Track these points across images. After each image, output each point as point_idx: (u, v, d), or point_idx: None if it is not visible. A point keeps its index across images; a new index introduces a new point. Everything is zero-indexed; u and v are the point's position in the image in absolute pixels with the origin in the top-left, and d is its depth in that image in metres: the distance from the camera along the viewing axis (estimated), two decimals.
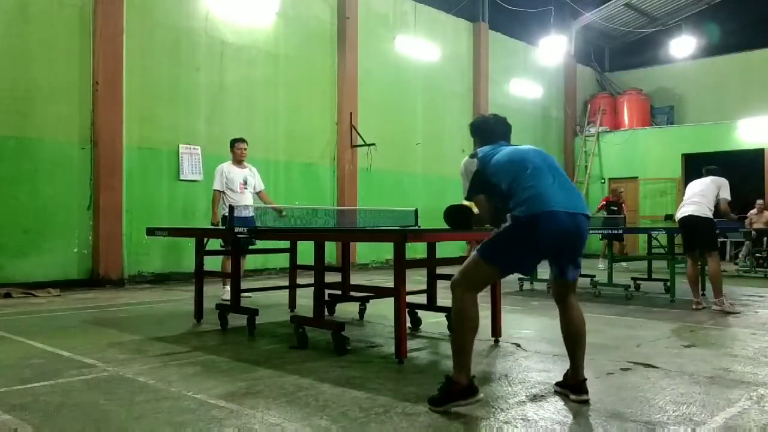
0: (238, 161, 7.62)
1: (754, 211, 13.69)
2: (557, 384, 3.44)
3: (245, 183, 7.55)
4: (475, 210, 3.42)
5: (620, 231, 8.56)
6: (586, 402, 3.18)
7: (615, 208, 12.73)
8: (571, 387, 3.27)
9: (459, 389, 3.02)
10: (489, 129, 3.58)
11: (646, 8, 18.18)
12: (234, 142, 7.71)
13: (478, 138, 3.56)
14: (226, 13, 10.67)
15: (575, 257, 3.27)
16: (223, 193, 7.46)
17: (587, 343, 3.34)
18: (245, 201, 7.38)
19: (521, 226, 3.09)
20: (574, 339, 3.28)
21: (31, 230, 8.48)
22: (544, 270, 3.36)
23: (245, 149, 7.65)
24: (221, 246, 6.93)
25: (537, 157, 3.29)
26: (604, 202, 13.22)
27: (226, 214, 7.35)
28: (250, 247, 6.86)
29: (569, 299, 3.31)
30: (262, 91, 11.17)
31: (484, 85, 15.64)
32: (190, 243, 6.57)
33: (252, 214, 6.94)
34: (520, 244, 3.12)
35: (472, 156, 3.35)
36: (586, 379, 3.26)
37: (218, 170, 7.59)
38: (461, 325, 3.14)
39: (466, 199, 3.38)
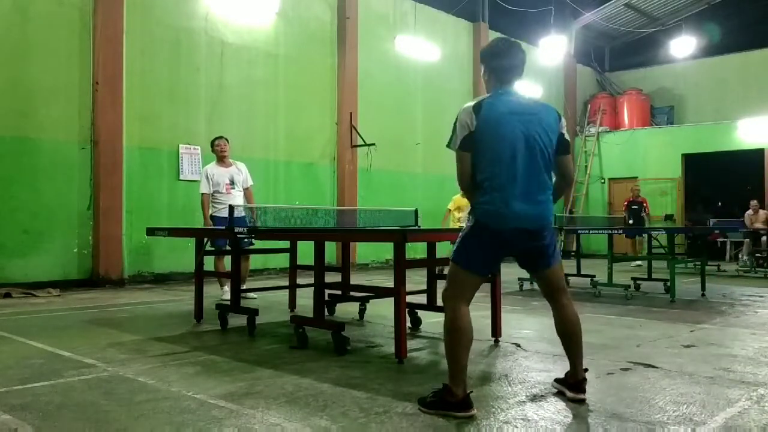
0: (221, 159, 7.47)
1: (749, 212, 13.71)
2: (556, 380, 3.44)
3: (231, 183, 7.39)
4: None
5: (620, 231, 8.57)
6: (583, 401, 3.18)
7: (636, 207, 13.52)
8: (569, 385, 3.27)
9: (454, 402, 2.98)
10: (501, 63, 3.24)
11: (646, 8, 18.17)
12: (212, 141, 7.61)
13: (487, 69, 3.31)
14: (226, 13, 10.68)
15: (540, 255, 3.22)
16: (212, 195, 7.36)
17: (587, 343, 3.33)
18: (233, 201, 7.11)
19: (482, 229, 3.10)
20: (569, 339, 3.27)
21: (31, 230, 8.48)
22: None
23: (224, 145, 7.47)
24: (210, 246, 6.81)
25: (525, 139, 3.08)
26: (626, 203, 13.81)
27: (216, 215, 7.29)
28: (249, 247, 6.79)
29: (561, 299, 3.27)
30: (262, 91, 11.17)
31: (484, 85, 15.60)
32: (190, 243, 6.57)
33: (243, 214, 6.83)
34: (486, 246, 3.12)
35: (476, 109, 3.09)
36: (585, 379, 3.26)
37: (203, 173, 7.48)
38: (453, 339, 3.09)
39: (449, 146, 3.19)
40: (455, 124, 3.16)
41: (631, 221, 13.12)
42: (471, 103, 3.16)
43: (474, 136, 3.08)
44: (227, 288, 7.25)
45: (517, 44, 3.31)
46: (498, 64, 3.26)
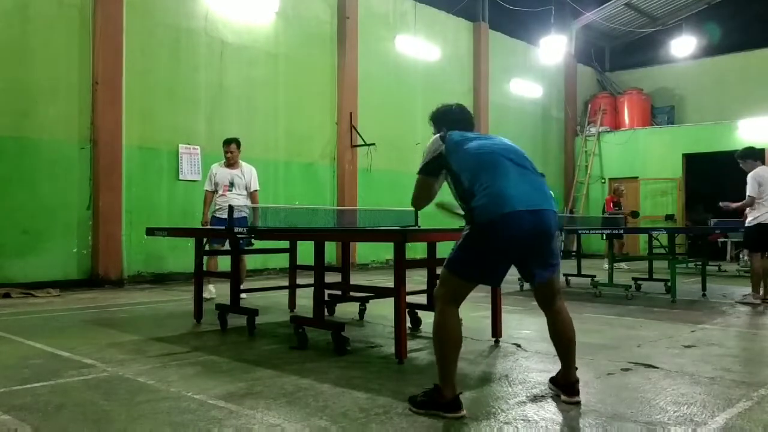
0: (228, 164, 7.50)
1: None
2: (551, 381, 3.42)
3: (231, 185, 7.39)
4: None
5: (621, 231, 8.56)
6: (578, 404, 3.16)
7: (618, 208, 13.17)
8: (563, 388, 3.25)
9: (443, 402, 2.97)
10: (454, 118, 3.44)
11: (647, 8, 18.17)
12: (223, 144, 7.56)
13: (442, 126, 3.41)
14: (226, 13, 10.67)
15: (544, 258, 3.13)
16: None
17: (588, 343, 3.33)
18: (230, 203, 7.19)
19: (481, 231, 2.99)
20: (564, 344, 3.23)
21: (31, 230, 8.48)
22: None
23: (233, 152, 7.42)
24: (208, 246, 6.79)
25: (505, 151, 3.16)
26: (612, 202, 13.39)
27: (213, 215, 7.39)
28: (248, 247, 6.78)
29: (556, 303, 3.22)
30: (262, 91, 11.17)
31: (484, 85, 15.63)
32: (190, 243, 6.57)
33: (244, 214, 6.82)
34: (485, 252, 3.01)
35: (443, 138, 3.21)
36: (578, 380, 3.24)
37: (210, 171, 7.59)
38: (441, 340, 3.04)
39: (419, 172, 3.30)
40: (425, 151, 3.27)
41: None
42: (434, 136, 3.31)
43: (445, 157, 3.16)
44: (212, 287, 7.36)
45: (466, 108, 3.57)
46: (451, 118, 3.46)
